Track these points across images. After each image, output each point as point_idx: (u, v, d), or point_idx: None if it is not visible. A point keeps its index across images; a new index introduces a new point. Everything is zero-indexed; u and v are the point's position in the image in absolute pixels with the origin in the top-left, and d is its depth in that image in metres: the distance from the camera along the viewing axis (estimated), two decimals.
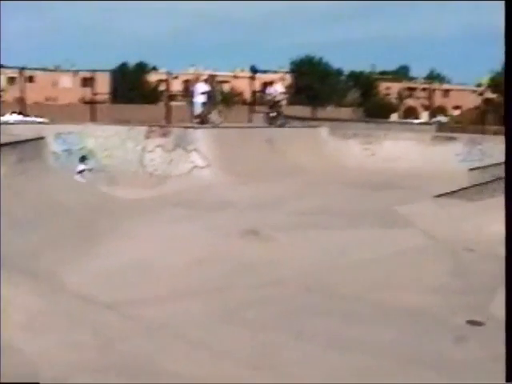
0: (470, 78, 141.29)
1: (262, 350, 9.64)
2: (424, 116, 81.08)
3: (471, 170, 27.27)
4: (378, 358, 9.64)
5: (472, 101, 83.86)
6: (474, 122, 61.05)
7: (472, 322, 11.67)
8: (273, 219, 19.22)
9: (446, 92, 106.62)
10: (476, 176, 25.84)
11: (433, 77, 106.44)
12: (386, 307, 12.08)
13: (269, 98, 37.31)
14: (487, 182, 23.56)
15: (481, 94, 70.46)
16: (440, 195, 22.73)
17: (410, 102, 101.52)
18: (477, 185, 23.72)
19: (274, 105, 36.76)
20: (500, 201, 16.12)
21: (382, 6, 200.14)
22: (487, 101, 67.74)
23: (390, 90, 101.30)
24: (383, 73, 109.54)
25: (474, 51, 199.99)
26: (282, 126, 35.76)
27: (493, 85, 68.40)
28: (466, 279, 14.20)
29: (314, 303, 12.16)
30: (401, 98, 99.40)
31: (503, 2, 5.30)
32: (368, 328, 10.93)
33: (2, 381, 7.19)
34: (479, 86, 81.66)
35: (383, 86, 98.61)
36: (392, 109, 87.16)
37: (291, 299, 12.30)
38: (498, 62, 76.60)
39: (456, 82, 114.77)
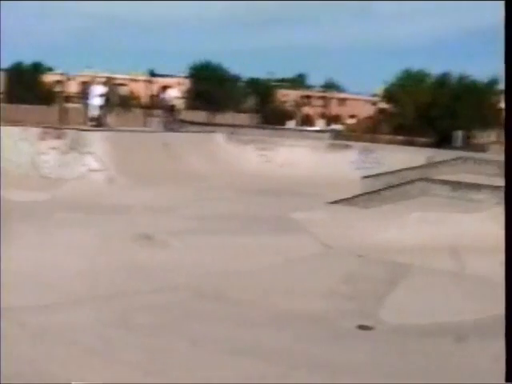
0: (365, 88, 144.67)
1: (154, 355, 9.53)
2: (320, 124, 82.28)
3: (365, 177, 27.81)
4: (271, 363, 9.69)
5: (367, 110, 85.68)
6: (368, 130, 62.49)
7: (362, 327, 11.87)
8: (167, 224, 19.12)
9: (342, 101, 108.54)
10: (369, 184, 26.38)
11: (329, 85, 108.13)
12: (279, 313, 12.16)
13: (164, 102, 37.16)
14: (380, 190, 24.09)
15: (375, 103, 71.98)
16: (334, 202, 23.10)
17: (306, 109, 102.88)
18: (370, 192, 24.20)
19: (169, 109, 36.63)
20: (391, 208, 16.49)
21: (281, 15, 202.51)
22: (381, 111, 69.31)
23: (287, 97, 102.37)
24: (281, 80, 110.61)
25: (370, 62, 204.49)
26: (174, 130, 35.66)
27: (387, 95, 69.90)
28: (358, 285, 14.44)
29: (208, 309, 12.13)
30: (297, 105, 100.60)
31: (503, 2, 5.34)
32: (261, 333, 10.98)
33: (2, 381, 7.01)
34: (374, 95, 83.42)
35: (281, 94, 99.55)
36: (289, 116, 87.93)
37: (185, 305, 12.23)
38: (392, 72, 78.49)
39: (352, 91, 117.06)
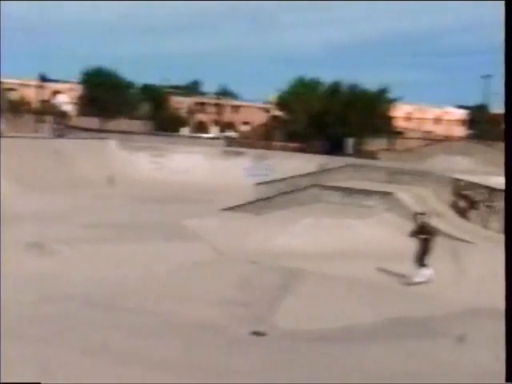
0: (259, 96, 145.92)
1: (44, 365, 9.31)
2: (214, 131, 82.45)
3: (258, 184, 28.01)
4: (162, 371, 9.63)
5: (260, 117, 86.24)
6: (261, 137, 62.90)
7: (256, 333, 11.93)
8: (59, 232, 18.74)
9: (236, 108, 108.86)
10: (262, 190, 26.59)
11: (223, 93, 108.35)
12: (171, 320, 12.10)
13: (55, 108, 36.47)
14: (272, 197, 24.31)
15: (268, 111, 72.60)
16: (227, 209, 23.18)
17: (200, 116, 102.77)
18: (263, 199, 24.40)
19: (60, 115, 36.00)
20: (284, 214, 16.61)
21: (176, 22, 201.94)
22: (274, 118, 69.93)
23: (181, 104, 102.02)
24: (175, 87, 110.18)
25: (264, 70, 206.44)
26: (65, 136, 35.08)
27: (280, 103, 70.56)
28: (251, 291, 14.50)
29: (99, 317, 11.94)
30: (191, 112, 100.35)
31: (503, 2, 5.35)
32: (153, 342, 10.88)
33: (2, 381, 6.68)
34: (268, 103, 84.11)
35: (174, 100, 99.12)
36: (183, 123, 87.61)
37: (76, 313, 12.00)
38: (285, 80, 79.34)
39: (246, 98, 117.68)
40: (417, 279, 15.67)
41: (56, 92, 42.07)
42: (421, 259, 15.96)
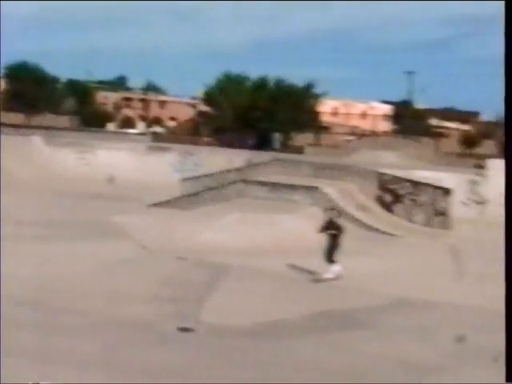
0: (186, 91, 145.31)
1: None
2: (140, 126, 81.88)
3: (184, 180, 27.90)
4: (87, 369, 9.51)
5: (187, 113, 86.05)
6: (188, 133, 62.76)
7: (183, 329, 11.90)
8: None
9: (163, 103, 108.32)
10: (189, 186, 26.52)
11: (150, 88, 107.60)
12: (97, 318, 11.95)
13: None
14: (199, 192, 24.27)
15: (195, 106, 72.52)
16: (153, 205, 23.03)
17: (126, 112, 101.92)
18: (189, 195, 24.33)
19: None
20: (211, 210, 16.56)
21: (102, 16, 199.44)
22: (201, 113, 69.88)
23: (107, 99, 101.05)
24: (101, 82, 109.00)
25: (191, 65, 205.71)
26: None
27: (207, 98, 70.50)
28: (178, 287, 14.44)
29: (22, 317, 11.72)
30: (117, 107, 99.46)
31: (503, 2, 5.31)
32: (79, 340, 10.74)
33: (2, 381, 6.40)
34: (194, 98, 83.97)
35: (100, 96, 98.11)
36: (109, 118, 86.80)
37: (3, 312, 11.74)
38: (212, 76, 79.22)
39: (172, 94, 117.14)
40: (326, 276, 15.44)
41: None
42: (329, 255, 15.71)
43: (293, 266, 15.95)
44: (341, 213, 16.95)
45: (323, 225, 16.09)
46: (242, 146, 47.55)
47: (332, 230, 15.84)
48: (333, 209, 16.88)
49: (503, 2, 5.47)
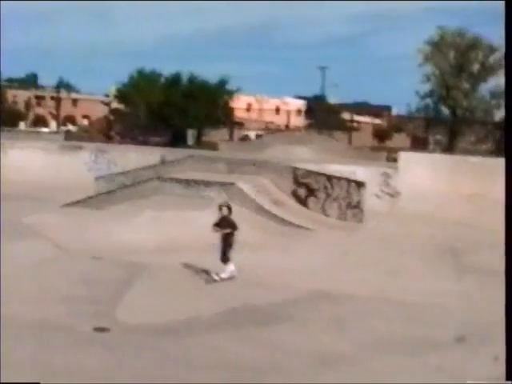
0: (98, 89, 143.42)
1: None
2: (52, 125, 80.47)
3: (98, 178, 27.57)
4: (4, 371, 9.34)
5: (100, 110, 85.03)
6: (102, 131, 62.03)
7: (99, 329, 11.78)
8: None
9: (75, 101, 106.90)
10: (102, 184, 26.20)
11: (61, 86, 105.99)
12: (8, 322, 11.68)
13: None
14: (113, 191, 24.01)
15: (108, 104, 71.72)
16: (67, 204, 22.68)
17: (38, 110, 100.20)
18: (103, 193, 24.04)
19: None
20: (126, 209, 16.35)
21: (10, 14, 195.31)
22: (114, 111, 69.19)
23: (18, 97, 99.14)
24: (10, 80, 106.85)
25: (103, 62, 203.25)
26: None
27: (119, 95, 69.87)
28: (93, 287, 14.29)
29: None
30: (29, 106, 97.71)
31: (503, 2, 5.29)
32: None
33: (2, 381, 6.04)
34: (107, 96, 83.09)
35: (10, 94, 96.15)
36: (20, 117, 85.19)
37: None
38: (124, 73, 78.54)
39: (84, 91, 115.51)
40: (222, 275, 15.04)
41: None
42: (223, 254, 15.23)
43: (207, 262, 15.92)
44: (231, 209, 15.68)
45: (216, 222, 15.49)
46: (146, 143, 47.41)
47: (225, 227, 15.31)
48: (226, 205, 15.89)
49: (503, 2, 5.60)
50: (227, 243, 15.29)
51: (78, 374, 9.65)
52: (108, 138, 48.90)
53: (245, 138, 59.28)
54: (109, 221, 19.99)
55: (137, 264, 16.02)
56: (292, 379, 9.72)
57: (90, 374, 9.72)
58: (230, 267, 15.16)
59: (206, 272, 15.45)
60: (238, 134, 61.81)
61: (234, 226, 15.42)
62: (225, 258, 15.22)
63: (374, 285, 15.19)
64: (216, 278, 14.97)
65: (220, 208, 15.69)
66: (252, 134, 60.67)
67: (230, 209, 15.70)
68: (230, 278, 15.03)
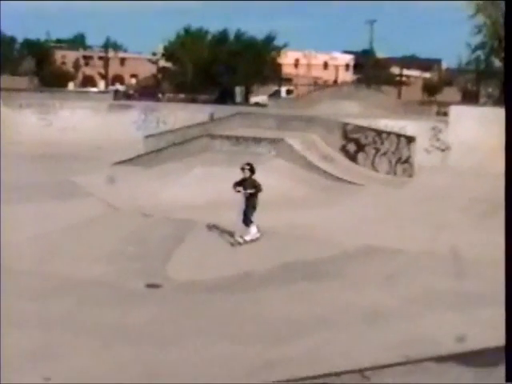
0: (145, 47, 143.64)
1: None
2: (101, 85, 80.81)
3: (147, 137, 27.70)
4: (56, 332, 9.52)
5: (148, 69, 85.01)
6: (150, 89, 62.06)
7: (151, 286, 11.94)
8: None
9: (123, 61, 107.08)
10: (152, 143, 26.32)
11: (109, 46, 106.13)
12: (62, 280, 11.92)
13: None
14: (163, 149, 24.11)
15: (155, 62, 71.60)
16: (117, 163, 22.87)
17: (86, 70, 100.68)
18: (153, 151, 24.17)
19: None
20: (175, 166, 16.36)
21: None
22: (162, 69, 69.07)
23: (66, 58, 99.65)
24: (59, 41, 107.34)
25: (150, 21, 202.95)
26: None
27: (167, 54, 69.76)
28: (144, 244, 14.45)
29: None
30: (77, 66, 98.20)
31: (503, 2, 5.28)
32: (43, 302, 10.72)
33: (2, 381, 6.33)
34: (154, 54, 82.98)
35: (59, 55, 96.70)
36: (69, 77, 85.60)
37: None
38: (172, 32, 78.32)
39: (132, 50, 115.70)
40: (246, 238, 14.66)
41: None
42: (246, 217, 14.80)
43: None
44: (254, 170, 14.98)
45: (237, 182, 14.97)
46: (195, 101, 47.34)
47: (248, 189, 14.76)
48: (249, 166, 15.12)
49: (503, 2, 5.49)
50: (250, 205, 14.83)
51: (131, 331, 9.79)
52: (157, 97, 48.89)
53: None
54: (158, 178, 20.12)
55: (187, 221, 16.11)
56: (341, 334, 9.74)
57: (142, 330, 9.86)
58: (253, 229, 14.79)
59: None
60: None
61: (257, 187, 14.88)
62: (247, 221, 14.79)
63: (424, 240, 15.07)
64: (240, 240, 14.59)
65: (242, 169, 15.08)
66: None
67: (252, 170, 15.10)
68: (254, 241, 14.68)
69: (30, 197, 18.41)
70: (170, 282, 12.18)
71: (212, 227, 15.63)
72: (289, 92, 60.29)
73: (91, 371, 8.46)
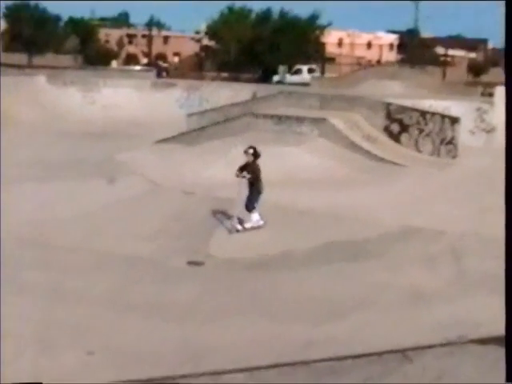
0: (189, 26, 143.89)
1: None
2: (144, 63, 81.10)
3: (190, 115, 27.72)
4: (99, 307, 9.62)
5: (191, 47, 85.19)
6: (193, 68, 62.21)
7: (192, 263, 12.00)
8: None
9: (166, 39, 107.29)
10: (194, 121, 26.34)
11: (152, 24, 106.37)
12: (105, 256, 12.04)
13: None
14: (205, 127, 24.12)
15: (198, 40, 71.77)
16: (160, 141, 22.94)
17: (130, 48, 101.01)
18: (195, 130, 24.20)
19: None
20: (217, 145, 16.48)
21: None
22: (205, 48, 69.23)
23: (110, 36, 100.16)
24: (103, 19, 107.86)
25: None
26: None
27: (210, 32, 69.80)
28: (186, 222, 14.50)
29: (30, 257, 11.80)
30: (121, 44, 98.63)
31: (503, 2, 5.26)
32: (87, 278, 10.84)
33: (2, 381, 6.55)
34: (197, 33, 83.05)
35: (103, 33, 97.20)
36: (112, 56, 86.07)
37: (7, 254, 11.81)
38: (215, 10, 78.16)
39: (175, 28, 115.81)
40: (246, 225, 14.08)
41: None
42: (248, 203, 14.19)
43: (301, 198, 15.91)
44: (257, 154, 14.28)
45: (241, 166, 14.32)
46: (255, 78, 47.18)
47: (249, 174, 14.13)
48: (250, 150, 14.44)
49: (503, 2, 5.40)
50: (254, 190, 14.22)
51: (172, 308, 9.86)
52: (200, 75, 48.97)
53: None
54: (201, 156, 20.14)
55: (228, 199, 16.11)
56: (382, 315, 9.70)
57: (183, 307, 9.92)
58: (255, 217, 14.16)
59: (300, 207, 15.39)
60: (329, 69, 60.92)
61: (255, 173, 14.18)
62: (249, 207, 14.18)
63: (467, 221, 14.90)
64: (239, 227, 14.01)
65: (245, 152, 14.45)
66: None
67: (255, 154, 14.40)
68: (256, 228, 14.07)
69: (74, 174, 18.59)
70: (212, 260, 12.23)
71: None
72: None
73: (133, 347, 8.56)
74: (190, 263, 12.01)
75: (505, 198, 5.42)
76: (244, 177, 14.09)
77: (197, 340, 8.75)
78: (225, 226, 14.30)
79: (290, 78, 56.96)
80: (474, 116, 26.34)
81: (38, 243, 12.59)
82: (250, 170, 14.16)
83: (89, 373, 7.79)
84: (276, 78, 57.36)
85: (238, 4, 69.73)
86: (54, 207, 14.93)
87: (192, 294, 10.47)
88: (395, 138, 24.37)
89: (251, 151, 14.37)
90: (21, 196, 15.92)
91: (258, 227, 14.11)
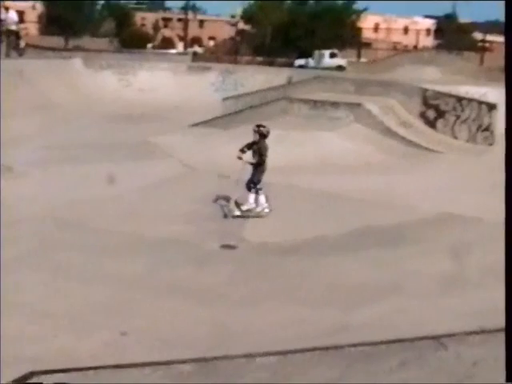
0: (224, 9, 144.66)
1: (15, 287, 9.34)
2: (180, 46, 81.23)
3: (225, 99, 27.75)
4: (132, 289, 9.70)
5: (226, 32, 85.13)
6: (228, 52, 62.08)
7: (225, 246, 12.04)
8: (27, 155, 18.45)
9: (202, 23, 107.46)
10: (230, 105, 26.37)
11: (188, 8, 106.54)
12: (139, 238, 12.12)
13: (5, 26, 34.67)
14: (240, 111, 24.14)
15: (234, 24, 71.66)
16: (195, 124, 22.99)
17: (165, 32, 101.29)
18: (230, 114, 24.21)
19: (10, 34, 34.40)
20: (251, 129, 16.53)
21: None
22: (241, 32, 69.08)
23: (146, 20, 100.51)
24: (139, 3, 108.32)
25: None
26: (21, 55, 34.04)
27: (246, 16, 69.67)
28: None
29: (66, 238, 11.93)
30: (156, 28, 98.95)
31: (503, 2, 5.26)
32: (121, 260, 10.92)
33: (2, 381, 6.74)
34: (233, 17, 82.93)
35: (139, 17, 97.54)
36: (148, 39, 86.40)
37: (44, 235, 11.97)
38: None
39: (211, 12, 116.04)
40: (243, 208, 13.89)
41: (7, 8, 39.47)
42: (248, 182, 14.04)
43: (335, 183, 15.87)
44: (264, 134, 13.96)
45: (244, 146, 14.08)
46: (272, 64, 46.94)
47: (255, 154, 13.94)
48: (258, 129, 14.18)
49: (503, 2, 5.33)
50: (255, 171, 14.01)
51: (205, 291, 9.91)
52: (235, 59, 48.88)
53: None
54: (236, 140, 20.07)
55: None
56: (414, 301, 9.65)
57: (216, 290, 9.96)
58: (262, 199, 13.95)
59: (334, 192, 15.34)
60: (365, 54, 60.49)
61: (262, 153, 13.93)
62: (249, 186, 13.98)
63: (504, 210, 14.72)
64: (237, 212, 13.80)
65: (254, 131, 14.17)
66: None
67: (260, 133, 14.10)
68: (262, 216, 13.84)
69: (109, 156, 18.70)
70: (245, 244, 12.26)
71: (288, 190, 15.60)
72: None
73: (165, 329, 8.62)
74: (224, 246, 12.04)
75: (505, 199, 5.36)
76: (248, 162, 13.87)
77: (229, 323, 8.79)
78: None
79: (326, 61, 56.67)
80: None
81: (75, 224, 12.71)
82: (257, 149, 13.91)
83: (121, 353, 7.87)
84: (298, 62, 56.74)
85: None
86: (91, 189, 15.05)
87: (224, 278, 10.51)
88: (431, 124, 24.19)
89: (259, 130, 14.08)
90: (59, 177, 16.08)
91: (266, 214, 13.90)
